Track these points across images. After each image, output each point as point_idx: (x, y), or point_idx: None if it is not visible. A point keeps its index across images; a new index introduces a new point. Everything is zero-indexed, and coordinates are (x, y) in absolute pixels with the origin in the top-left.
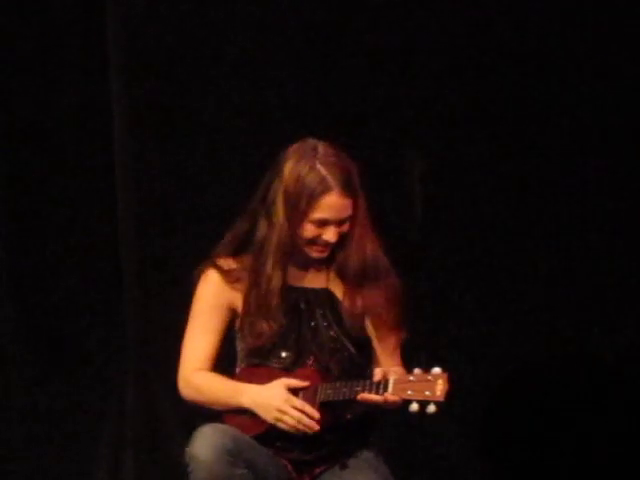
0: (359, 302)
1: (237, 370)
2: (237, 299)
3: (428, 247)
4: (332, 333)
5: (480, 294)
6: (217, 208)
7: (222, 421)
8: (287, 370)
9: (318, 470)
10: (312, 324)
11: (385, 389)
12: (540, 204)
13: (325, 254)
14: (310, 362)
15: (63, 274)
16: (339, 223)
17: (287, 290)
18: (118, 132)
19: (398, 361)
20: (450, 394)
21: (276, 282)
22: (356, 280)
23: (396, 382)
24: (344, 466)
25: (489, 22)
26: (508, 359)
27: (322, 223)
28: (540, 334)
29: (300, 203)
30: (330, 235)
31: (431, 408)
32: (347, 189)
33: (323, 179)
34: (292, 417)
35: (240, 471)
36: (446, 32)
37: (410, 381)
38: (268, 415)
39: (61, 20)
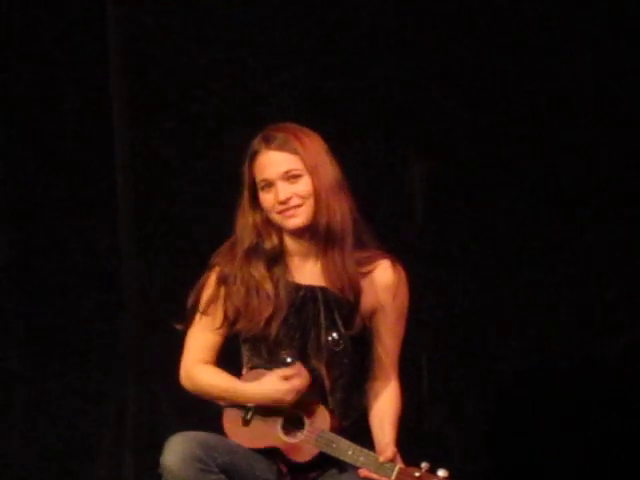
0: (354, 295)
1: (243, 372)
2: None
3: (428, 247)
4: (335, 335)
5: (480, 294)
6: (218, 208)
7: (222, 431)
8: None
9: (315, 473)
10: (315, 323)
11: (389, 474)
12: (540, 204)
13: (298, 219)
14: (322, 395)
15: (63, 274)
16: (286, 179)
17: (292, 287)
18: (118, 132)
19: (395, 369)
20: None
21: (250, 269)
22: (328, 243)
23: (401, 472)
24: (342, 469)
25: (490, 21)
26: (507, 359)
27: (268, 185)
28: (540, 334)
29: (245, 171)
30: (280, 192)
31: None
32: (278, 143)
33: (253, 143)
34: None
35: (214, 477)
36: (447, 30)
37: (415, 477)
38: (285, 402)
39: (61, 20)
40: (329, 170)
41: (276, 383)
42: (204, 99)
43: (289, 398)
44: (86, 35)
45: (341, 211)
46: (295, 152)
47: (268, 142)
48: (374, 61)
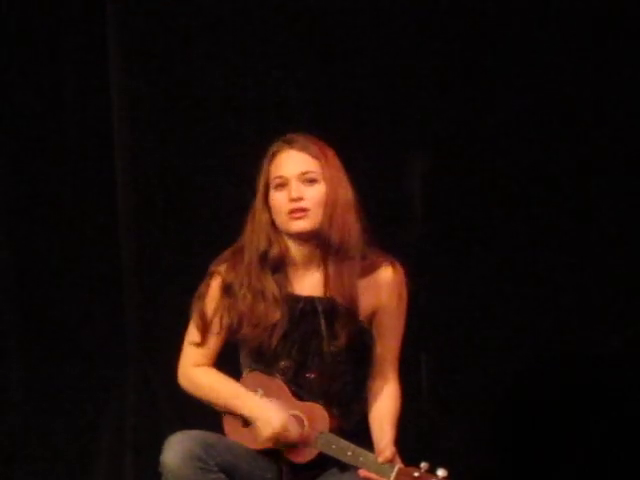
0: (359, 302)
1: (243, 375)
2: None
3: (428, 247)
4: (333, 347)
5: (480, 294)
6: (218, 208)
7: (222, 431)
8: (291, 383)
9: (316, 472)
10: (316, 335)
11: (388, 475)
12: (540, 203)
13: (302, 223)
14: (322, 402)
15: (63, 274)
16: (302, 180)
17: (291, 299)
18: (118, 131)
19: (394, 369)
20: None
21: (258, 275)
22: (338, 259)
23: (400, 472)
24: (344, 468)
25: (492, 22)
26: (507, 358)
27: (282, 183)
28: (540, 333)
29: (262, 173)
30: (293, 189)
31: None
32: (300, 145)
33: (276, 144)
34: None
35: (214, 475)
36: (447, 30)
37: (414, 477)
38: (264, 432)
39: (61, 20)
40: (346, 187)
41: (277, 416)
42: (205, 99)
43: (267, 434)
44: (86, 35)
45: (356, 231)
46: (316, 157)
47: (290, 143)
48: (374, 60)
